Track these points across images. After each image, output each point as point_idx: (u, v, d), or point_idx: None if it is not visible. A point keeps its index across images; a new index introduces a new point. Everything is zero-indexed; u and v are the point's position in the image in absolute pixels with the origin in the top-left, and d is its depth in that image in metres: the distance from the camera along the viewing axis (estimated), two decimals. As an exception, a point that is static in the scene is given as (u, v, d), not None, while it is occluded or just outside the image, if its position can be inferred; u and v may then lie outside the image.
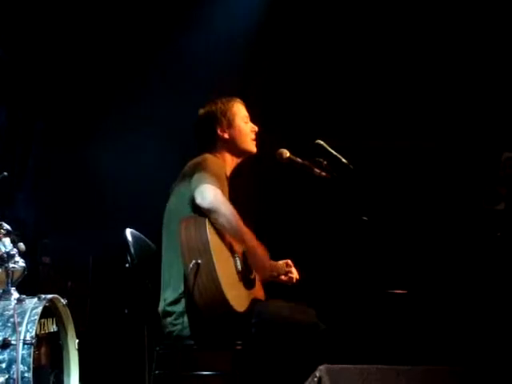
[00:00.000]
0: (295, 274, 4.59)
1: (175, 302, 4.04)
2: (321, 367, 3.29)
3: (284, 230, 6.00)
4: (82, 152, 6.05)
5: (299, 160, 4.38)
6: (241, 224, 4.04)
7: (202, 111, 4.42)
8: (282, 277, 4.56)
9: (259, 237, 4.21)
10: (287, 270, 4.57)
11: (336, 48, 6.24)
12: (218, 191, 3.99)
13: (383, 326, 5.64)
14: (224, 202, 4.01)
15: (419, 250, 5.83)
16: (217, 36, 6.14)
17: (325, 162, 4.32)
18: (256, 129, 4.41)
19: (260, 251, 4.10)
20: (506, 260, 5.52)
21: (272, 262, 4.55)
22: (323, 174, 4.33)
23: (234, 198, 4.27)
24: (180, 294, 4.02)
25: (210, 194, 3.97)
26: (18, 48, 5.93)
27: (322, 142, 4.37)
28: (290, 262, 4.61)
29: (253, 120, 4.45)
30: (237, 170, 4.42)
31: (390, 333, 5.59)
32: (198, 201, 3.98)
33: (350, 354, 4.37)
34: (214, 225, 3.99)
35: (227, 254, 4.07)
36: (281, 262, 4.59)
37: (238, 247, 4.13)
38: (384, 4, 6.16)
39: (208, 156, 4.23)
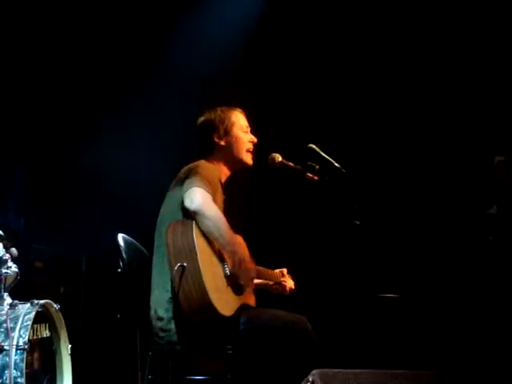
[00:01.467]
0: (290, 284, 4.59)
1: (164, 306, 4.03)
2: (314, 372, 3.29)
3: (276, 234, 6.01)
4: (74, 155, 6.03)
5: (291, 164, 4.38)
6: (228, 231, 3.99)
7: (201, 119, 4.41)
8: (277, 286, 4.57)
9: (251, 241, 4.20)
10: (282, 279, 4.57)
11: (330, 52, 6.26)
12: (207, 195, 3.97)
13: (375, 330, 5.64)
14: (212, 206, 3.97)
15: (411, 253, 5.84)
16: (214, 37, 6.13)
17: (317, 167, 4.31)
18: (255, 140, 4.38)
19: (246, 264, 4.02)
20: (498, 264, 5.53)
21: (267, 270, 4.55)
22: (315, 178, 4.32)
23: (227, 202, 4.27)
24: (170, 299, 4.01)
25: (198, 197, 3.95)
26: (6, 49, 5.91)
27: (314, 146, 4.37)
28: (285, 271, 4.62)
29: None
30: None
31: (382, 337, 5.59)
32: (186, 203, 3.96)
33: (341, 358, 4.38)
34: (200, 228, 3.97)
35: (215, 258, 4.04)
36: (276, 271, 4.60)
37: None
38: (382, 9, 6.18)
39: (202, 162, 4.22)
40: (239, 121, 4.38)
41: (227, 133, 4.33)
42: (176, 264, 3.87)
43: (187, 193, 3.98)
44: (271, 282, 4.56)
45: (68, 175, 6.00)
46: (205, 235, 3.98)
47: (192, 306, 3.86)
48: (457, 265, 5.80)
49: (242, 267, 4.00)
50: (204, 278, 3.84)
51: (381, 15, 6.18)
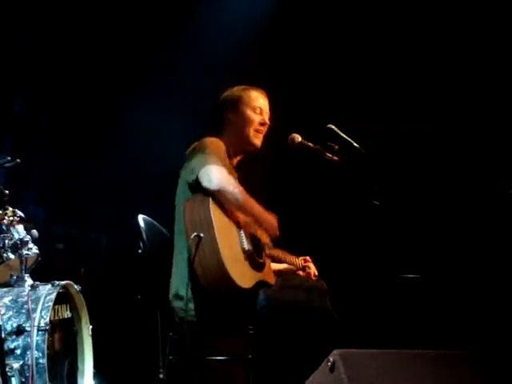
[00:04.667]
0: (313, 270, 4.60)
1: (185, 286, 4.03)
2: (334, 352, 3.28)
3: (295, 215, 6.00)
4: (95, 136, 6.05)
5: (311, 145, 4.37)
6: (248, 198, 4.08)
7: (219, 97, 4.45)
8: (300, 272, 4.58)
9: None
10: (304, 264, 4.59)
11: (351, 31, 6.23)
12: (223, 169, 4.03)
13: (395, 311, 5.64)
14: (229, 179, 4.05)
15: (431, 234, 5.82)
16: (235, 17, 6.13)
17: (336, 147, 4.30)
18: (266, 121, 4.39)
19: (270, 217, 4.16)
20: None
21: (289, 256, 4.56)
22: (335, 158, 4.31)
23: (245, 182, 4.28)
24: (189, 278, 4.01)
25: (215, 175, 4.00)
26: (33, 36, 5.92)
27: (333, 127, 4.35)
28: (308, 258, 4.63)
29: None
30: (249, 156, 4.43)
31: (403, 317, 5.59)
32: (205, 184, 4.00)
33: (362, 338, 4.38)
34: (223, 204, 4.01)
35: (233, 231, 4.08)
36: (300, 258, 4.61)
37: (246, 227, 4.14)
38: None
39: (206, 138, 4.24)
40: (251, 100, 4.40)
41: (236, 110, 4.35)
42: (192, 234, 3.90)
43: (202, 173, 4.00)
44: (294, 268, 4.58)
45: (88, 157, 6.01)
46: (222, 209, 4.03)
47: (208, 277, 3.89)
48: (478, 245, 5.78)
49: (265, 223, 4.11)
50: (220, 248, 3.87)
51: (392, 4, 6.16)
